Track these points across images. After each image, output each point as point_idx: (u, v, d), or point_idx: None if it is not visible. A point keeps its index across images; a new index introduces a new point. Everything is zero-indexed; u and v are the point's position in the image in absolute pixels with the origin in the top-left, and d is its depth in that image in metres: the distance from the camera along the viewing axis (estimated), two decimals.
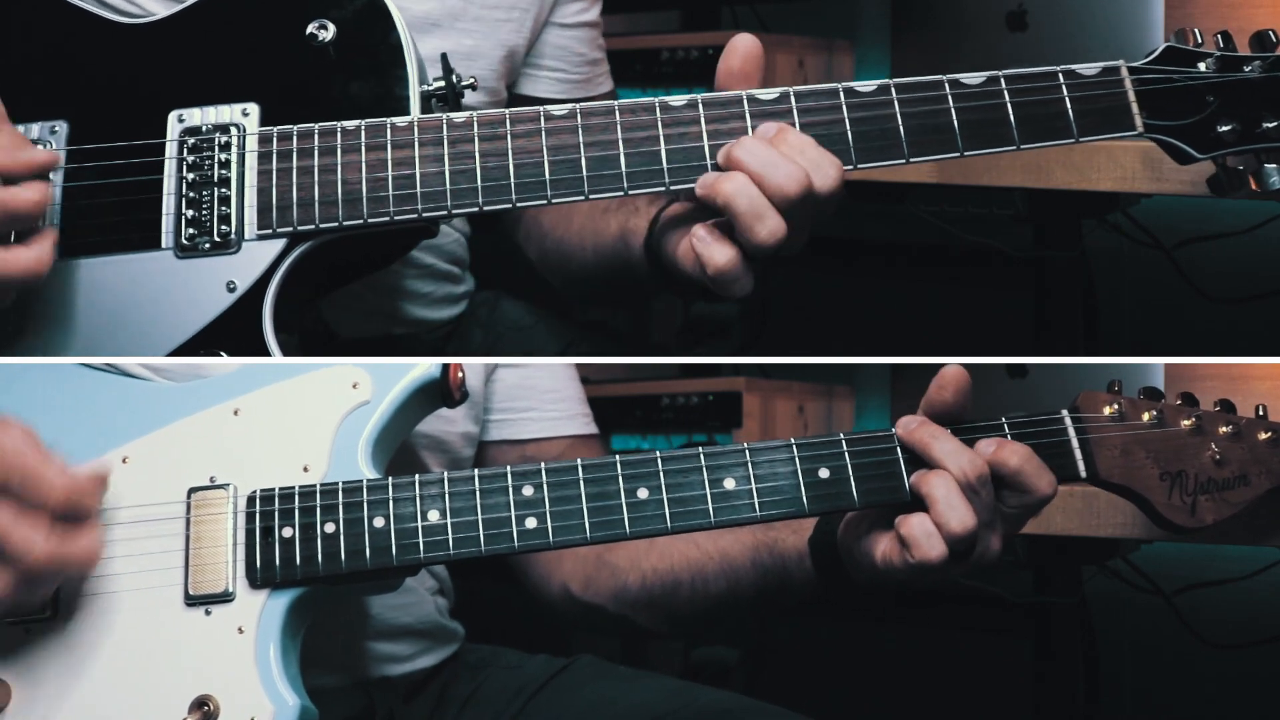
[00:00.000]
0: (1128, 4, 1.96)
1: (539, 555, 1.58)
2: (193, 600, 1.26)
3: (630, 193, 1.29)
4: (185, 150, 1.31)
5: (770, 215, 1.25)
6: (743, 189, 1.25)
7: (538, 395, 1.63)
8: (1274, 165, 1.32)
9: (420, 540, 1.27)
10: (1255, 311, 2.21)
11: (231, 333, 1.28)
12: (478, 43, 1.59)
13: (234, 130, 1.31)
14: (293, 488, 1.29)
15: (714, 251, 1.27)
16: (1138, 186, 1.80)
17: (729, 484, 1.29)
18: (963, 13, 2.09)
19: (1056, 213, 2.11)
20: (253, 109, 1.32)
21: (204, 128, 1.31)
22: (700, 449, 1.30)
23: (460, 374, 1.34)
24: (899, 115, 1.29)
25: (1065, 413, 1.33)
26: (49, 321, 1.28)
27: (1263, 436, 1.34)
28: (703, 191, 1.27)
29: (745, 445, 1.30)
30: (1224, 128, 1.31)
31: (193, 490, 1.29)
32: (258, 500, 1.28)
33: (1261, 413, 1.36)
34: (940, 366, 1.32)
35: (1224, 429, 1.34)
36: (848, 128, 1.29)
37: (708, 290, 1.32)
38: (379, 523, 1.27)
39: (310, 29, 1.34)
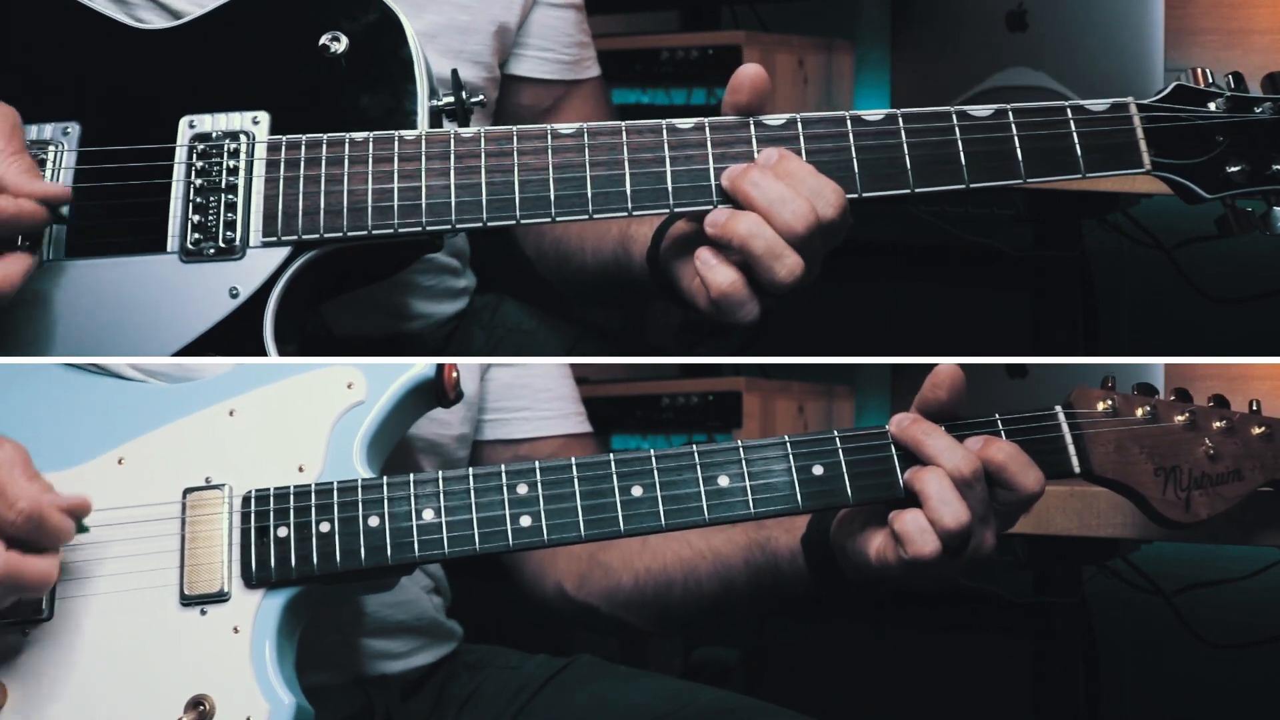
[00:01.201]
0: (1128, 4, 1.96)
1: (532, 555, 1.58)
2: (188, 600, 1.27)
3: (635, 214, 1.29)
4: (194, 156, 1.31)
5: (788, 254, 1.25)
6: (757, 230, 1.25)
7: (531, 394, 1.63)
8: None
9: (415, 539, 1.27)
10: (1255, 311, 2.20)
11: (233, 338, 1.28)
12: (471, 18, 1.60)
13: (243, 138, 1.32)
14: (288, 488, 1.29)
15: (717, 275, 1.27)
16: (1138, 186, 1.80)
17: (723, 481, 1.29)
18: (963, 13, 2.09)
19: (1056, 213, 2.11)
20: (263, 117, 1.33)
21: (214, 134, 1.32)
22: (694, 447, 1.30)
23: (455, 374, 1.35)
24: (905, 145, 1.30)
25: (1059, 409, 1.33)
26: (50, 321, 1.29)
27: (1256, 431, 1.35)
28: (714, 232, 1.27)
29: (739, 443, 1.30)
30: (1233, 168, 1.30)
31: (188, 491, 1.30)
32: (253, 500, 1.29)
33: (1255, 408, 1.36)
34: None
35: (1217, 424, 1.34)
36: (853, 155, 1.29)
37: (713, 317, 1.32)
38: (374, 522, 1.27)
39: (323, 40, 1.35)
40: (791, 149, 1.29)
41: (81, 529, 1.24)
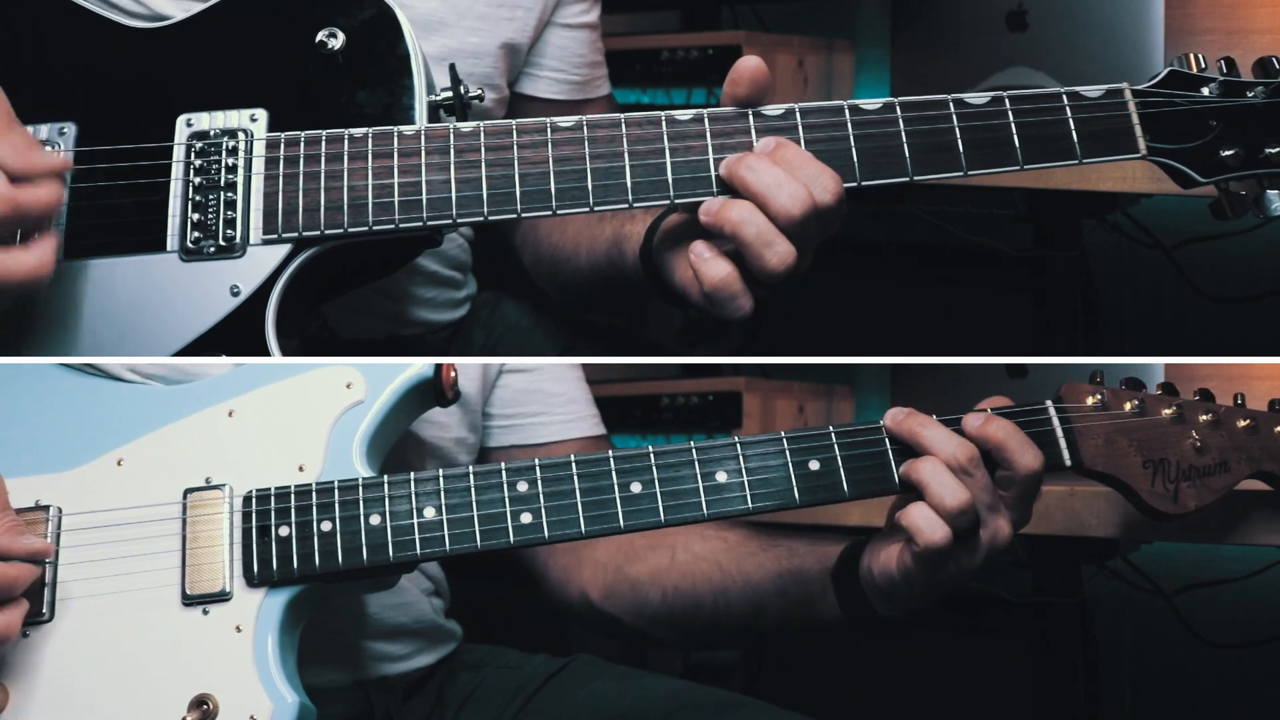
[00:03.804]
0: (1127, 4, 1.96)
1: (557, 560, 1.58)
2: (190, 600, 1.27)
3: (635, 205, 1.29)
4: (193, 154, 1.31)
5: (779, 241, 1.25)
6: (749, 217, 1.25)
7: (546, 398, 1.63)
8: (1276, 191, 1.32)
9: (416, 537, 1.27)
10: (1255, 311, 2.21)
11: (234, 336, 1.28)
12: (482, 41, 1.60)
13: (242, 135, 1.31)
14: (288, 487, 1.29)
15: (711, 267, 1.27)
16: (1138, 186, 1.80)
17: (721, 477, 1.30)
18: (962, 13, 2.09)
19: (1056, 213, 2.11)
20: (261, 115, 1.33)
21: (212, 132, 1.32)
22: (692, 443, 1.31)
23: (453, 374, 1.35)
24: (903, 134, 1.30)
25: (1049, 403, 1.35)
26: (52, 322, 1.29)
27: (1241, 424, 1.36)
28: (708, 219, 1.27)
29: (736, 439, 1.31)
30: (1227, 152, 1.31)
31: (188, 491, 1.30)
32: (254, 500, 1.29)
33: (1239, 401, 1.38)
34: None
35: (1204, 417, 1.36)
36: (852, 145, 1.30)
37: (706, 312, 1.32)
38: (375, 520, 1.28)
39: (320, 37, 1.35)
40: (790, 139, 1.29)
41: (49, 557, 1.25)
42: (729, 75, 1.31)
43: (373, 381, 1.33)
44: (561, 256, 1.66)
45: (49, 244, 1.21)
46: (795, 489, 1.30)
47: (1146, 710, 2.34)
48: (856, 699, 2.43)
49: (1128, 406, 1.35)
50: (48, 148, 1.31)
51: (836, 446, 1.31)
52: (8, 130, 1.22)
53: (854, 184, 1.29)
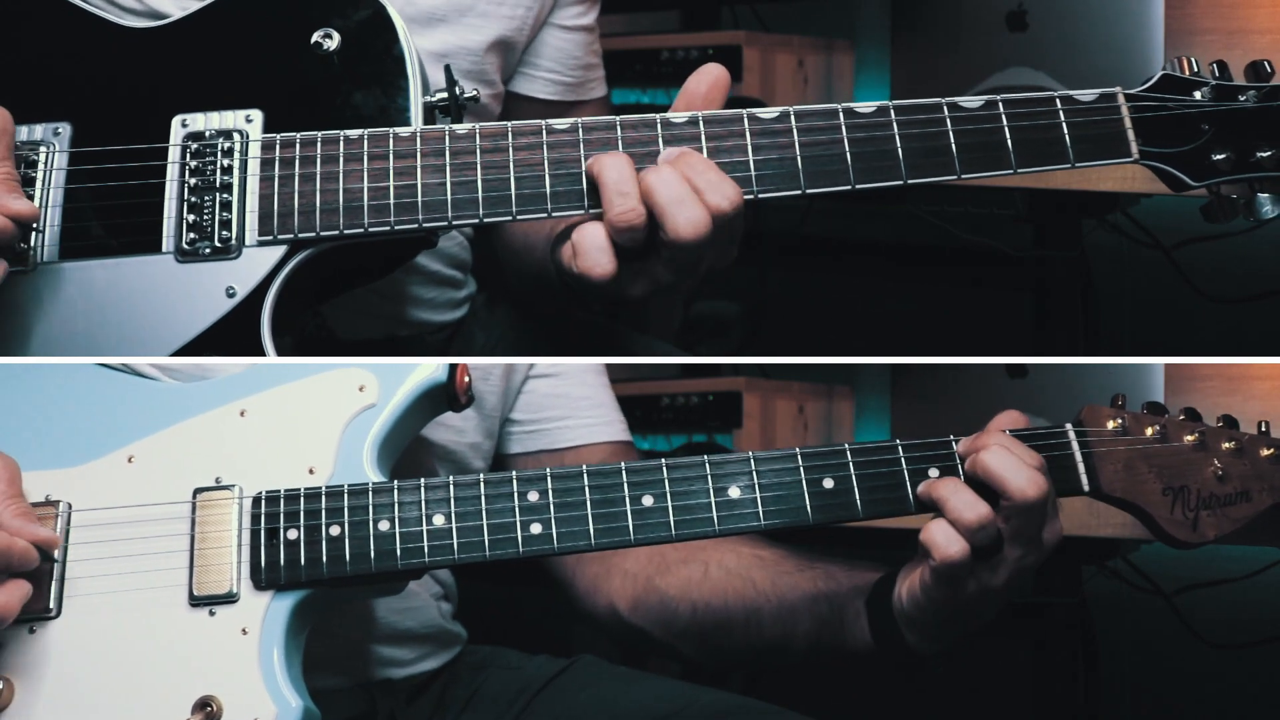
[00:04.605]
0: (1127, 4, 1.96)
1: (586, 569, 1.57)
2: (197, 601, 1.26)
3: None
4: (188, 155, 1.31)
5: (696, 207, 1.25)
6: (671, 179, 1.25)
7: (570, 402, 1.62)
8: (1267, 195, 1.33)
9: (425, 544, 1.27)
10: (1255, 311, 2.21)
11: (230, 338, 1.28)
12: (481, 38, 1.60)
13: (237, 136, 1.31)
14: (298, 489, 1.29)
15: (589, 230, 1.27)
16: (1138, 186, 1.81)
17: (733, 493, 1.29)
18: (962, 13, 2.10)
19: (1056, 213, 2.11)
20: (256, 116, 1.32)
21: (207, 133, 1.31)
22: (705, 457, 1.30)
23: (467, 378, 1.34)
24: (897, 137, 1.30)
25: (1069, 426, 1.34)
26: (49, 323, 1.28)
27: (1265, 453, 1.34)
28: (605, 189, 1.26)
29: (750, 454, 1.30)
30: (1218, 156, 1.31)
31: (198, 490, 1.29)
32: (263, 501, 1.28)
33: (1264, 429, 1.36)
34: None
35: (1227, 445, 1.34)
36: (846, 148, 1.30)
37: (575, 293, 1.31)
38: (384, 526, 1.27)
39: (315, 38, 1.34)
40: (785, 141, 1.29)
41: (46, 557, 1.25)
42: (692, 75, 1.31)
43: (386, 384, 1.33)
44: (515, 248, 1.66)
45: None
46: (808, 506, 1.29)
47: (1146, 710, 2.35)
48: (857, 699, 2.43)
49: (1149, 432, 1.34)
50: (42, 149, 1.30)
51: (852, 465, 1.30)
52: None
53: (848, 186, 1.29)
